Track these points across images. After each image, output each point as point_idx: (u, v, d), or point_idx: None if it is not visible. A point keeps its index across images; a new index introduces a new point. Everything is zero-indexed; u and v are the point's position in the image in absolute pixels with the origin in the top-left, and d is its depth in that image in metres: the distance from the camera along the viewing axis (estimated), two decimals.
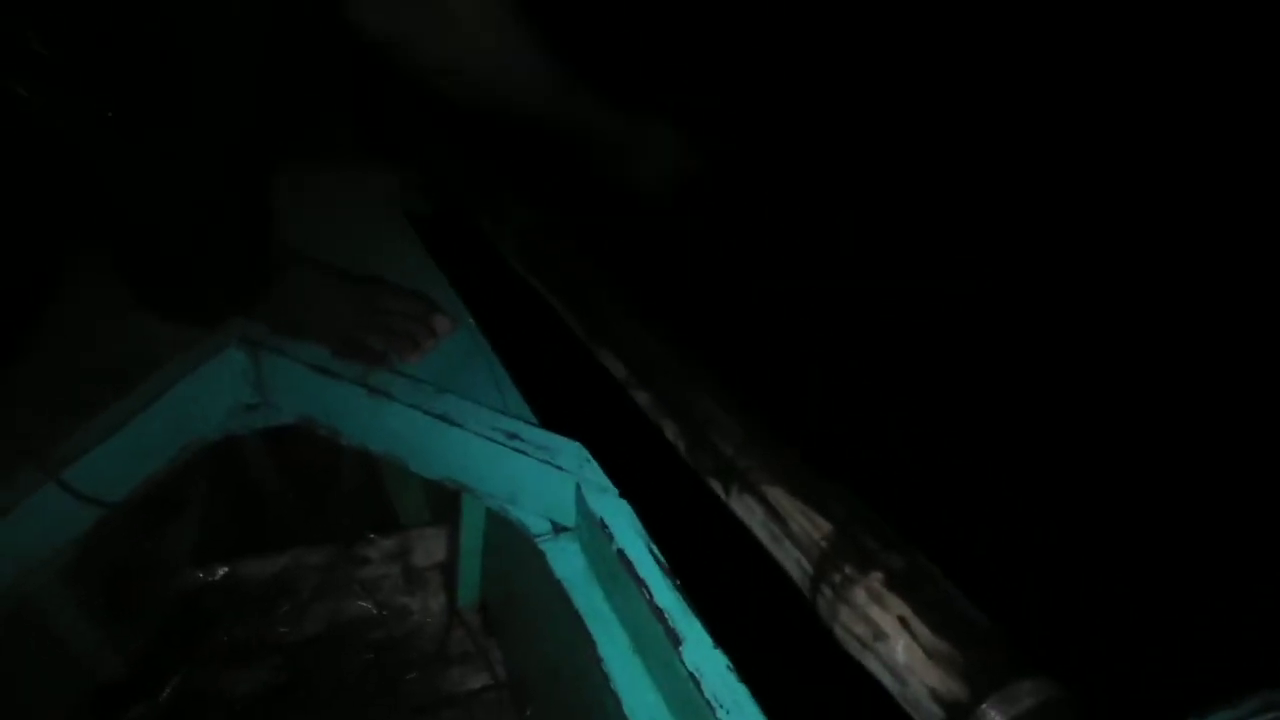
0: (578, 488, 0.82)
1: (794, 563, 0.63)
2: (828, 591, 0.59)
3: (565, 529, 0.85)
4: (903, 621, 0.55)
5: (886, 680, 0.56)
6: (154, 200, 0.88)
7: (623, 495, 0.81)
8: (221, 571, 1.08)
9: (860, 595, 0.57)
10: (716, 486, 0.72)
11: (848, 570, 0.58)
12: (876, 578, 0.57)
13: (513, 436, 0.86)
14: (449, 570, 1.12)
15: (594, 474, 0.83)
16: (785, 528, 0.63)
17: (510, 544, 0.92)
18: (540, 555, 0.83)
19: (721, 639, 0.68)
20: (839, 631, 0.59)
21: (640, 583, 0.72)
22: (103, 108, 0.79)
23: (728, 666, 0.66)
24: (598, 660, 0.74)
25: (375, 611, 1.10)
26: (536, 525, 0.86)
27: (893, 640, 0.55)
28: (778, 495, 0.65)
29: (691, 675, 0.65)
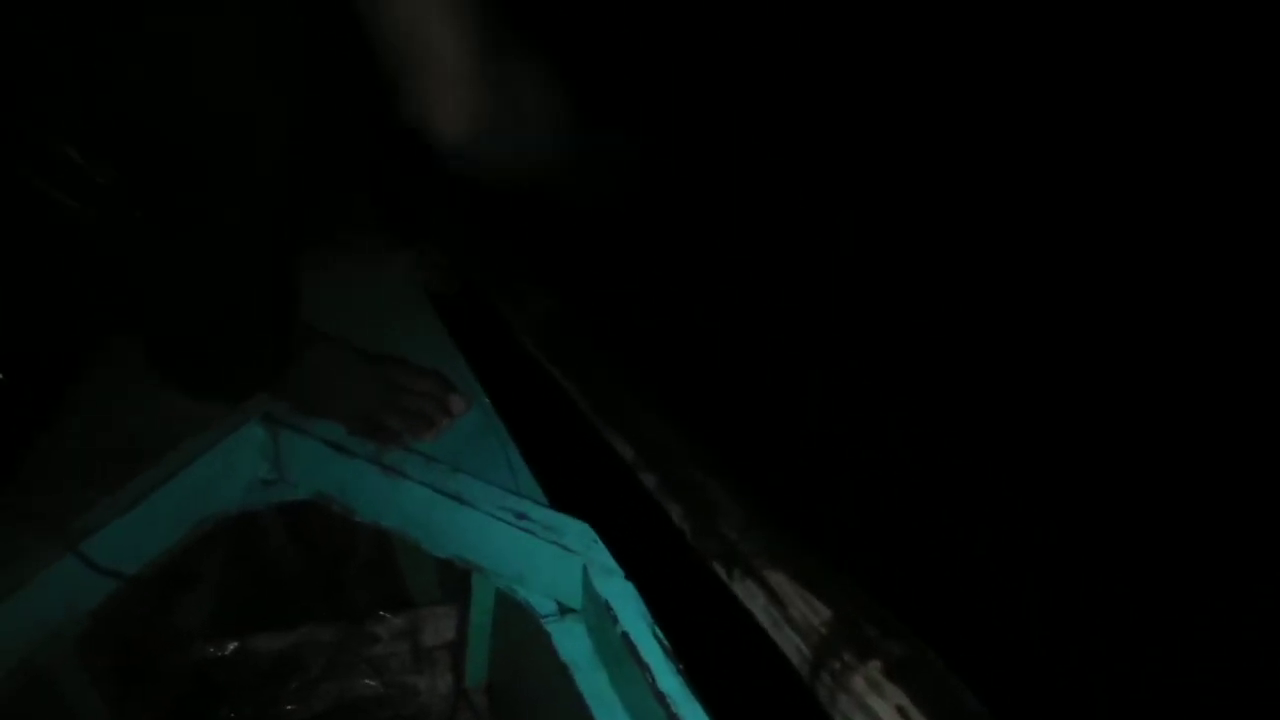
0: (584, 569, 0.83)
1: (794, 649, 0.63)
2: (827, 679, 0.59)
3: (571, 610, 0.86)
4: (901, 711, 0.55)
5: None
6: (180, 293, 0.91)
7: (629, 577, 0.81)
8: (232, 646, 1.08)
9: (859, 683, 0.57)
10: (720, 570, 0.73)
11: (847, 657, 0.59)
12: (875, 666, 0.57)
13: (522, 517, 0.88)
14: (458, 649, 1.12)
15: (601, 556, 0.84)
16: (785, 613, 0.64)
17: (518, 624, 0.92)
18: (546, 636, 0.84)
19: None
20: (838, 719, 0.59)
21: (644, 667, 0.72)
22: (132, 206, 0.83)
23: None
24: None
25: (383, 690, 1.10)
26: (543, 606, 0.87)
27: None
28: (779, 580, 0.65)
29: None
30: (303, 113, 0.88)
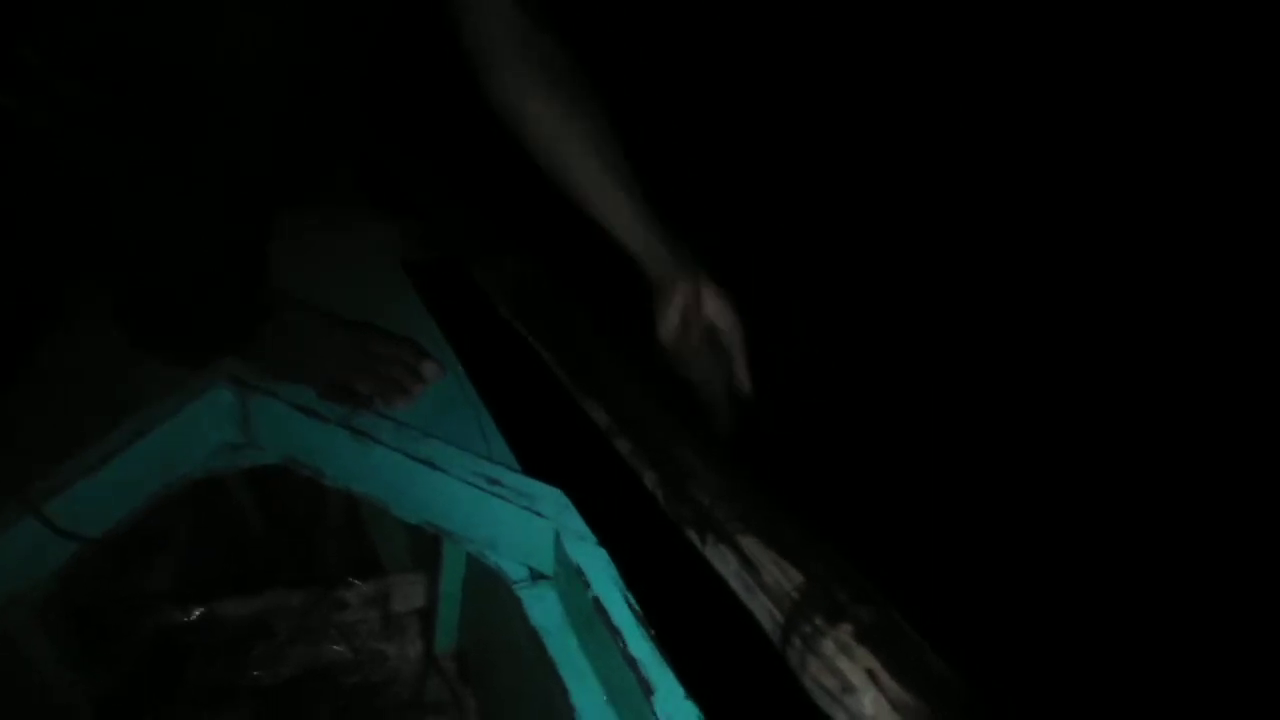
0: (556, 535, 0.82)
1: (766, 613, 0.63)
2: (798, 643, 0.60)
3: (543, 576, 0.85)
4: (871, 674, 0.55)
5: None
6: (154, 244, 0.90)
7: (601, 543, 0.81)
8: (199, 611, 1.07)
9: (829, 647, 0.58)
10: (693, 536, 0.73)
11: (818, 621, 0.59)
12: (846, 630, 0.58)
13: (494, 482, 0.87)
14: (427, 616, 1.12)
15: (573, 521, 0.83)
16: (758, 578, 0.64)
17: (488, 590, 0.92)
18: (517, 602, 0.83)
19: (693, 689, 0.68)
20: (808, 683, 0.59)
21: (615, 632, 0.72)
22: (110, 135, 0.81)
23: (698, 717, 0.65)
24: (571, 710, 0.74)
25: (352, 656, 1.10)
26: (515, 571, 0.86)
27: (860, 693, 0.55)
28: (751, 545, 0.65)
29: None
30: (299, 64, 0.86)
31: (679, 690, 0.68)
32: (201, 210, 0.89)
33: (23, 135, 0.80)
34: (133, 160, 0.83)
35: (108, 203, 0.85)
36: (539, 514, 0.84)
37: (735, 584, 0.68)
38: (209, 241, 0.92)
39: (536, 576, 0.86)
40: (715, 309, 0.96)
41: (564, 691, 0.75)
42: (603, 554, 0.80)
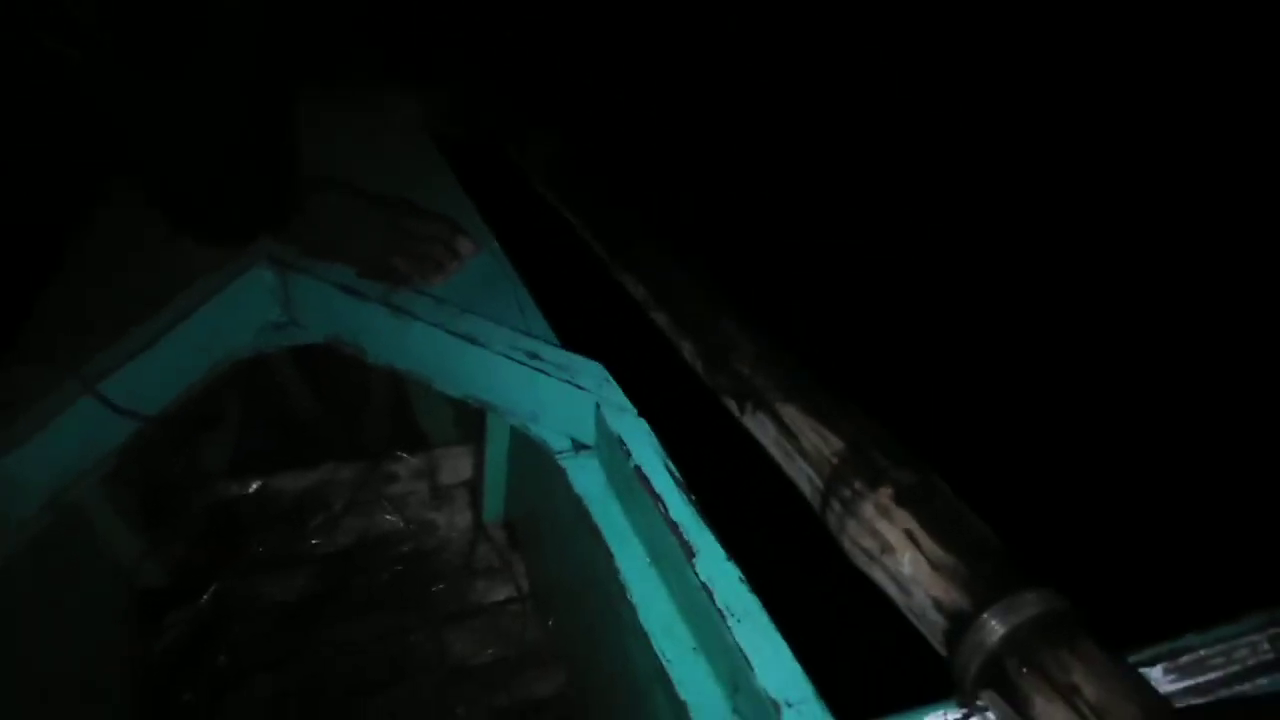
0: (597, 407, 0.83)
1: (805, 479, 0.64)
2: (837, 506, 0.60)
3: (585, 446, 0.87)
4: (909, 535, 0.56)
5: (892, 591, 0.58)
6: (180, 132, 0.89)
7: (641, 414, 0.82)
8: (256, 485, 1.11)
9: (869, 510, 0.58)
10: (732, 405, 0.73)
11: (857, 485, 0.59)
12: (885, 493, 0.58)
13: (534, 356, 0.88)
14: (474, 487, 1.15)
15: (613, 393, 0.84)
16: (797, 444, 0.65)
17: (533, 461, 0.94)
18: (561, 472, 0.85)
19: (734, 551, 0.69)
20: (847, 545, 0.60)
21: (656, 498, 0.74)
22: (120, 48, 0.80)
23: (739, 578, 0.67)
24: (615, 572, 0.76)
25: (403, 526, 1.14)
26: (558, 443, 0.88)
27: (899, 553, 0.56)
28: (791, 413, 0.66)
29: (704, 585, 0.67)
30: None
31: (720, 552, 0.69)
32: (218, 97, 0.88)
33: (39, 53, 0.80)
34: (143, 57, 0.82)
35: (127, 100, 0.85)
36: (580, 387, 0.85)
37: (775, 451, 0.68)
38: (230, 125, 0.91)
39: (579, 447, 0.87)
40: None
41: (608, 555, 0.78)
42: (643, 424, 0.81)
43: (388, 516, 1.14)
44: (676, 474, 0.76)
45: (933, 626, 0.55)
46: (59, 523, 0.83)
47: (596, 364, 0.88)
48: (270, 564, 1.08)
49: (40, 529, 0.81)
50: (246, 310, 0.97)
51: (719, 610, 0.65)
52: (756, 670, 0.61)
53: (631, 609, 0.74)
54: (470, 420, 1.11)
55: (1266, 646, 0.55)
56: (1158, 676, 0.55)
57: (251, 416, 1.18)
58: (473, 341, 0.89)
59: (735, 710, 0.66)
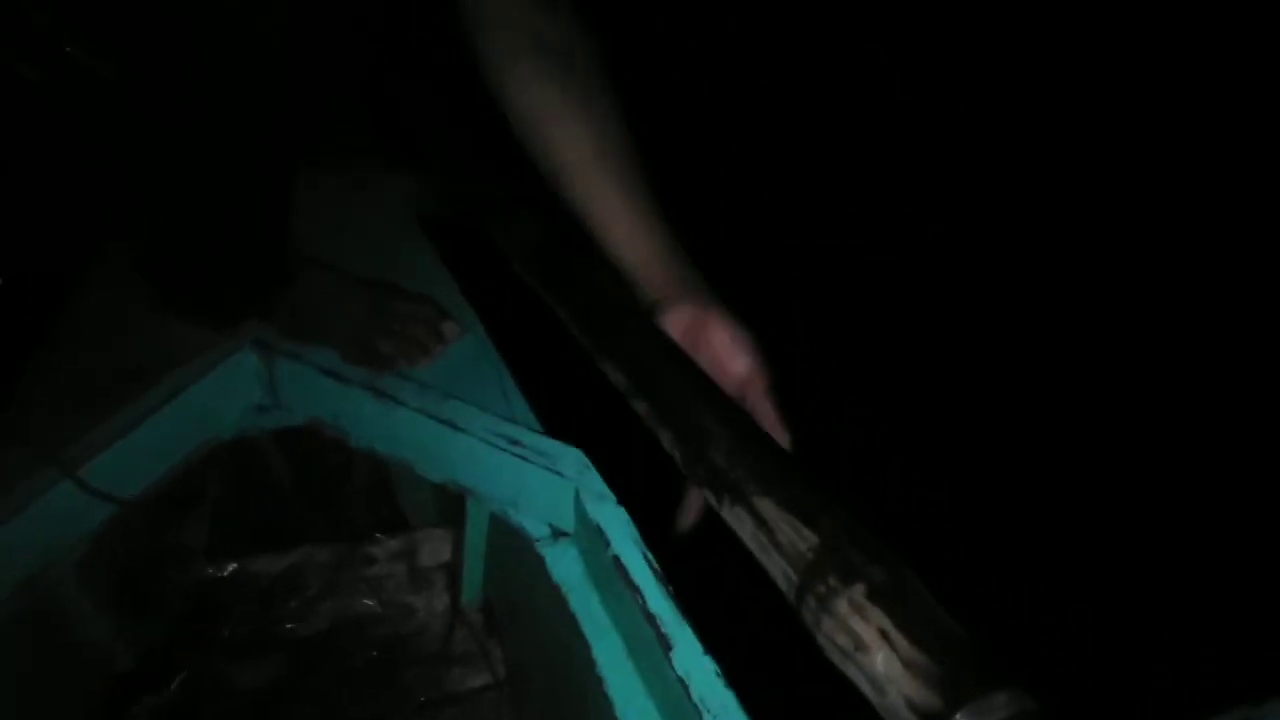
0: (577, 494, 0.84)
1: (781, 573, 0.65)
2: (812, 602, 0.61)
3: (564, 534, 0.87)
4: (883, 633, 0.56)
5: (866, 690, 0.58)
6: (173, 202, 0.90)
7: (620, 502, 0.83)
8: (231, 567, 1.10)
9: (843, 606, 0.59)
10: (710, 497, 0.74)
11: (831, 582, 0.60)
12: (859, 590, 0.58)
13: (515, 443, 0.88)
14: (453, 571, 1.14)
15: (593, 481, 0.85)
16: (773, 538, 0.65)
17: (512, 547, 0.94)
18: (540, 560, 0.85)
19: (711, 645, 0.69)
20: (822, 641, 0.60)
21: (634, 589, 0.74)
22: (124, 99, 0.81)
23: (715, 672, 0.67)
24: (593, 664, 0.76)
25: (380, 609, 1.13)
26: (537, 530, 0.88)
27: (873, 651, 0.56)
28: (766, 507, 0.66)
29: (680, 680, 0.67)
30: (299, 20, 0.86)
31: (697, 646, 0.69)
32: (215, 168, 0.89)
33: (39, 102, 0.80)
34: (145, 122, 0.83)
35: (123, 164, 0.86)
36: (560, 474, 0.85)
37: (751, 544, 0.68)
38: (224, 198, 0.92)
39: (558, 534, 0.87)
40: (724, 344, 0.80)
41: (586, 646, 0.77)
42: (622, 513, 0.81)
43: (365, 600, 1.12)
44: (655, 564, 0.76)
45: None
46: (30, 608, 0.82)
47: (577, 451, 0.88)
48: (243, 648, 1.06)
49: (10, 614, 0.80)
50: (230, 393, 0.97)
51: (694, 705, 0.65)
52: None
53: (608, 702, 0.73)
54: (451, 503, 1.11)
55: None
56: None
57: (230, 498, 1.17)
58: (454, 426, 0.90)
59: None
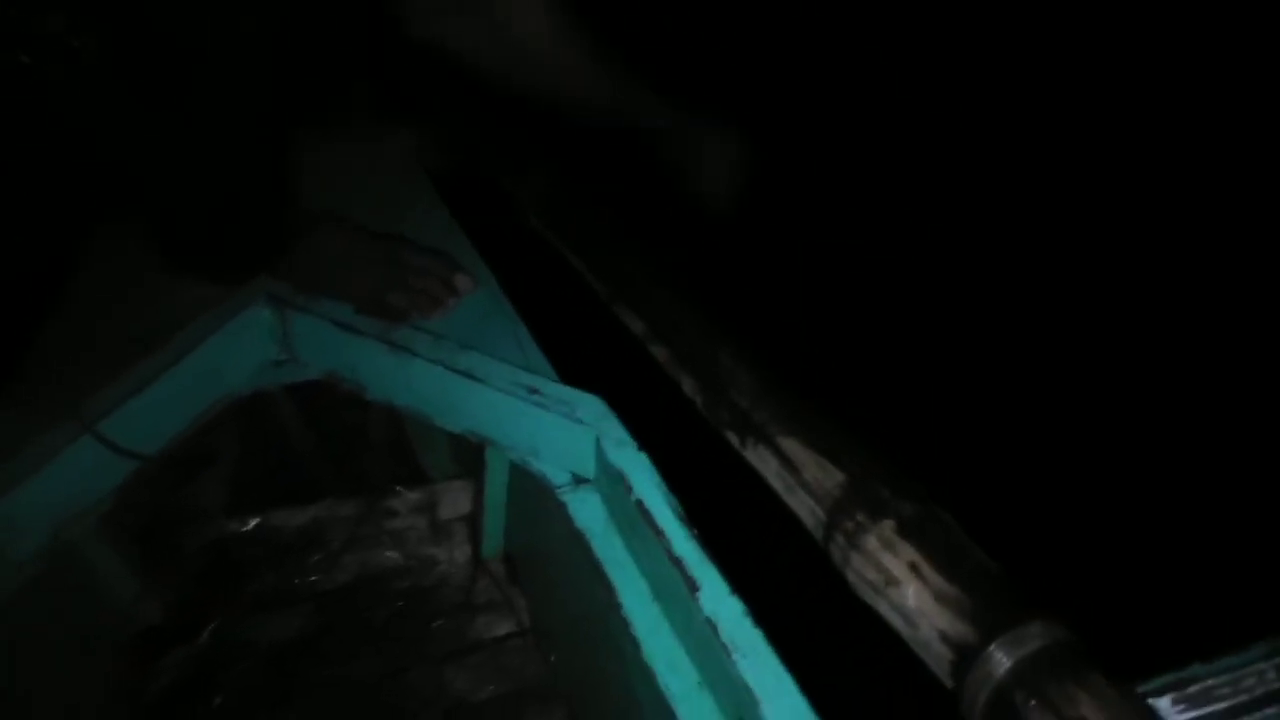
0: (597, 441, 0.83)
1: (808, 511, 0.64)
2: (840, 539, 0.61)
3: (585, 481, 0.87)
4: (913, 567, 0.56)
5: (897, 624, 0.58)
6: (178, 167, 0.90)
7: (641, 448, 0.82)
8: (254, 522, 1.11)
9: (872, 542, 0.58)
10: (733, 439, 0.74)
11: (860, 518, 0.60)
12: (888, 525, 0.58)
13: (533, 391, 0.88)
14: (474, 522, 1.15)
15: (613, 428, 0.84)
16: (799, 477, 0.65)
17: (533, 496, 0.94)
18: (562, 506, 0.85)
19: (738, 586, 0.69)
20: (851, 577, 0.60)
21: (659, 532, 0.74)
22: (121, 76, 0.80)
23: (744, 612, 0.67)
24: (618, 607, 0.76)
25: (403, 562, 1.13)
26: (558, 477, 0.88)
27: (904, 585, 0.56)
28: (792, 446, 0.66)
29: (709, 620, 0.67)
30: None
31: (724, 587, 0.69)
32: (218, 131, 0.89)
33: (34, 79, 0.80)
34: (145, 86, 0.82)
35: (126, 129, 0.85)
36: (579, 421, 0.85)
37: (776, 484, 0.68)
38: (229, 160, 0.91)
39: (579, 481, 0.87)
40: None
41: (610, 590, 0.77)
42: (644, 458, 0.81)
43: (387, 553, 1.13)
44: (678, 508, 0.76)
45: (939, 659, 0.55)
46: (57, 564, 0.83)
47: (596, 398, 0.88)
48: (268, 602, 1.07)
49: (38, 570, 0.81)
50: (245, 348, 0.97)
51: (723, 645, 0.65)
52: (762, 705, 0.61)
53: (635, 644, 0.73)
54: (469, 455, 1.11)
55: (1273, 675, 0.55)
56: (1165, 707, 0.55)
57: (249, 453, 1.17)
58: (471, 377, 0.90)
59: None
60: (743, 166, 1.14)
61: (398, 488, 1.16)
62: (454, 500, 1.17)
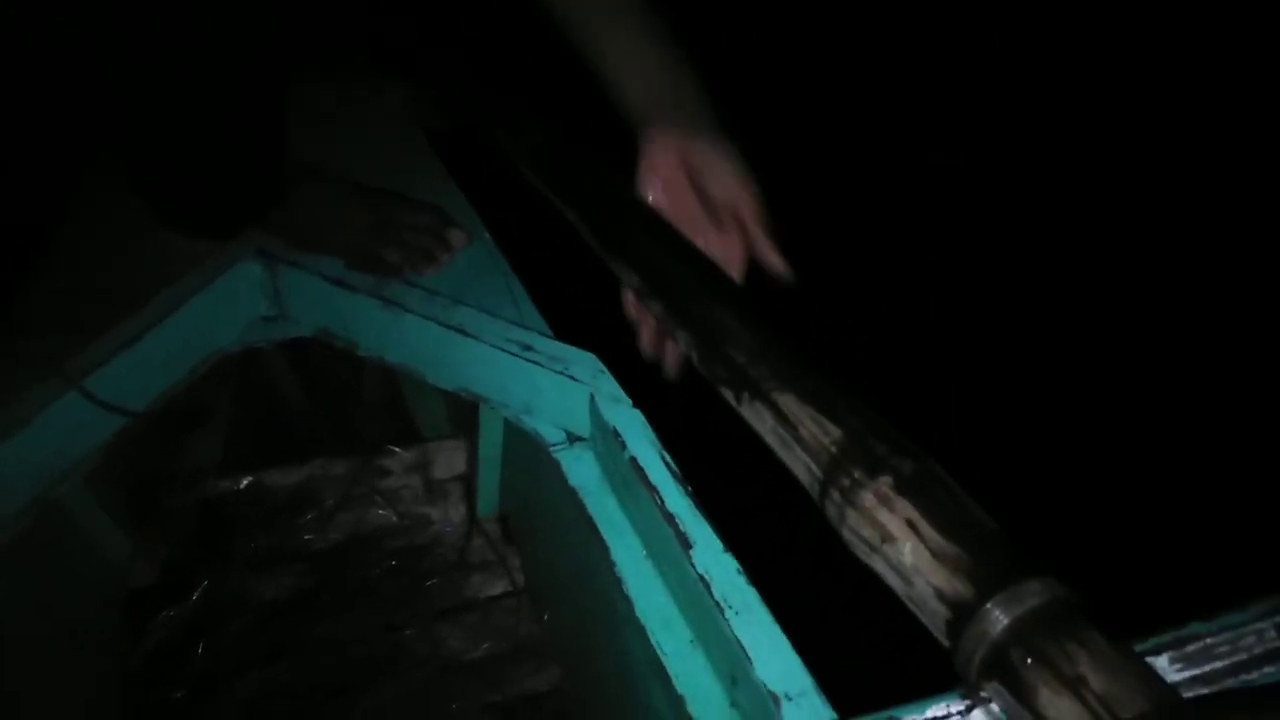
0: (592, 398, 0.82)
1: (804, 468, 0.63)
2: (836, 496, 0.59)
3: (580, 439, 0.86)
4: (910, 524, 0.55)
5: (893, 581, 0.57)
6: (170, 116, 0.87)
7: (636, 405, 0.81)
8: (246, 481, 1.10)
9: (868, 499, 0.57)
10: (728, 395, 0.72)
11: (856, 475, 0.58)
12: (885, 482, 0.57)
13: (527, 348, 0.87)
14: (468, 481, 1.14)
15: (608, 384, 0.83)
16: (795, 434, 0.63)
17: (527, 454, 0.93)
18: (555, 464, 0.84)
19: (731, 543, 0.69)
20: (847, 535, 0.59)
21: (652, 489, 0.73)
22: (115, 26, 0.78)
23: (737, 569, 0.67)
24: (611, 565, 0.76)
25: (397, 521, 1.13)
26: (552, 435, 0.87)
27: (900, 542, 0.55)
28: (788, 402, 0.65)
29: (702, 578, 0.66)
30: None
31: (718, 544, 0.69)
32: (210, 81, 0.86)
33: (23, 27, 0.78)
34: (142, 49, 0.80)
35: (115, 81, 0.83)
36: (574, 378, 0.84)
37: (772, 440, 0.67)
38: (221, 111, 0.89)
39: (574, 439, 0.86)
40: (713, 173, 0.77)
41: (604, 548, 0.77)
42: (638, 415, 0.80)
43: (380, 511, 1.12)
44: (673, 465, 0.75)
45: (935, 617, 0.54)
46: (44, 521, 0.82)
47: (590, 355, 0.87)
48: (261, 561, 1.06)
49: (24, 527, 0.80)
50: (235, 304, 0.95)
51: (716, 603, 0.65)
52: (755, 663, 0.61)
53: (628, 602, 0.73)
54: (463, 413, 1.10)
55: (1273, 634, 0.54)
56: (1164, 666, 0.54)
57: (241, 411, 1.17)
58: (465, 333, 0.88)
59: (734, 704, 0.65)
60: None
61: (391, 446, 1.15)
62: (448, 459, 1.16)
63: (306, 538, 1.09)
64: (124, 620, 0.98)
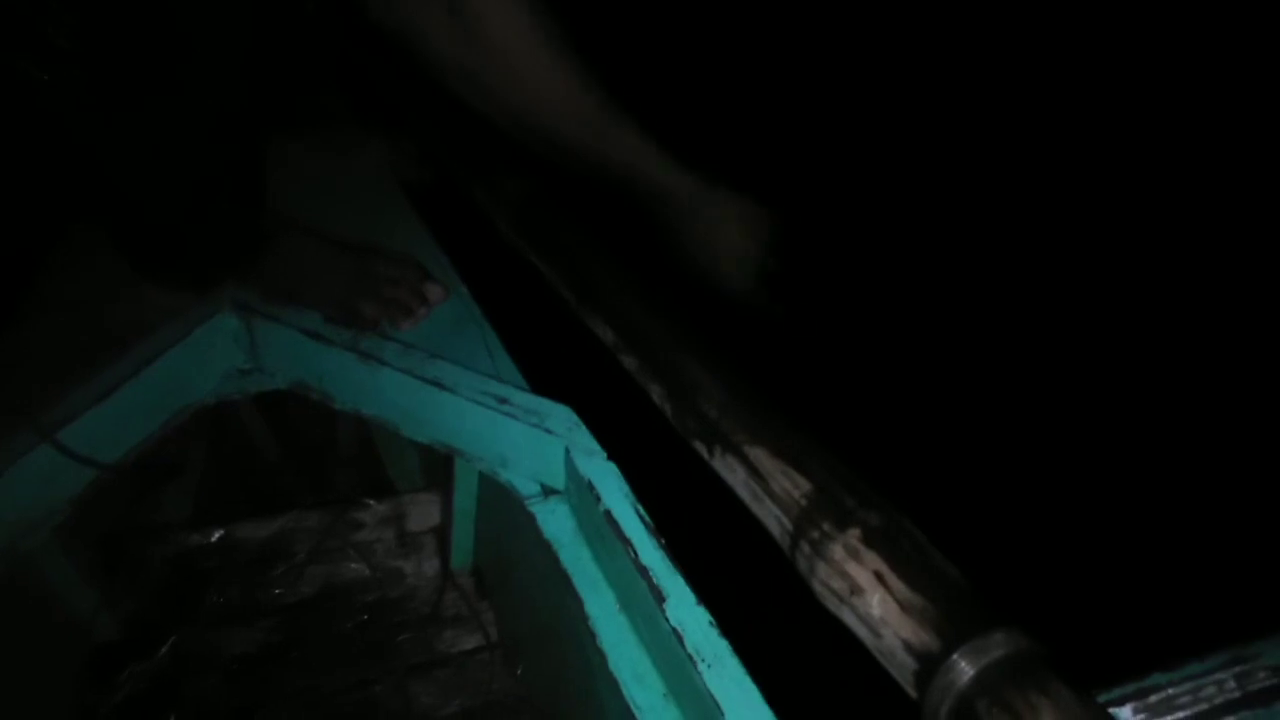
0: (567, 451, 0.83)
1: (774, 521, 0.64)
2: (806, 548, 0.60)
3: (555, 491, 0.87)
4: (878, 576, 0.56)
5: (862, 633, 0.57)
6: (148, 170, 0.88)
7: (610, 458, 0.82)
8: (218, 534, 1.09)
9: (838, 551, 0.58)
10: (701, 448, 0.73)
11: (825, 527, 0.59)
12: (854, 534, 0.58)
13: (503, 401, 0.88)
14: (442, 534, 1.14)
15: (583, 438, 0.84)
16: (766, 487, 0.64)
17: (502, 507, 0.93)
18: (530, 517, 0.85)
19: (704, 596, 0.69)
20: (817, 587, 0.60)
21: (626, 542, 0.73)
22: (97, 74, 0.79)
23: (709, 622, 0.67)
24: (585, 618, 0.76)
25: (370, 574, 1.12)
26: (527, 488, 0.87)
27: (868, 594, 0.56)
28: (759, 455, 0.66)
29: (674, 631, 0.66)
30: None
31: (690, 596, 0.69)
32: (188, 135, 0.88)
33: (21, 93, 0.79)
34: (122, 102, 0.81)
35: (101, 144, 0.84)
36: (549, 431, 0.84)
37: (743, 493, 0.68)
38: (198, 165, 0.90)
39: (548, 492, 0.87)
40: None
41: (578, 601, 0.77)
42: (613, 468, 0.81)
43: (353, 565, 1.12)
44: (646, 518, 0.76)
45: (902, 668, 0.54)
46: (10, 574, 0.81)
47: (565, 408, 0.88)
48: (231, 615, 1.05)
49: None
50: (210, 356, 0.96)
51: (689, 655, 0.65)
52: (728, 716, 0.61)
53: (601, 656, 0.73)
54: (438, 466, 1.10)
55: (1233, 684, 0.55)
56: (1127, 716, 0.55)
57: (214, 464, 1.16)
58: (441, 387, 0.89)
59: None
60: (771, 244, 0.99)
61: (365, 499, 1.15)
62: (423, 512, 1.16)
63: (278, 591, 1.08)
64: (91, 674, 0.96)
